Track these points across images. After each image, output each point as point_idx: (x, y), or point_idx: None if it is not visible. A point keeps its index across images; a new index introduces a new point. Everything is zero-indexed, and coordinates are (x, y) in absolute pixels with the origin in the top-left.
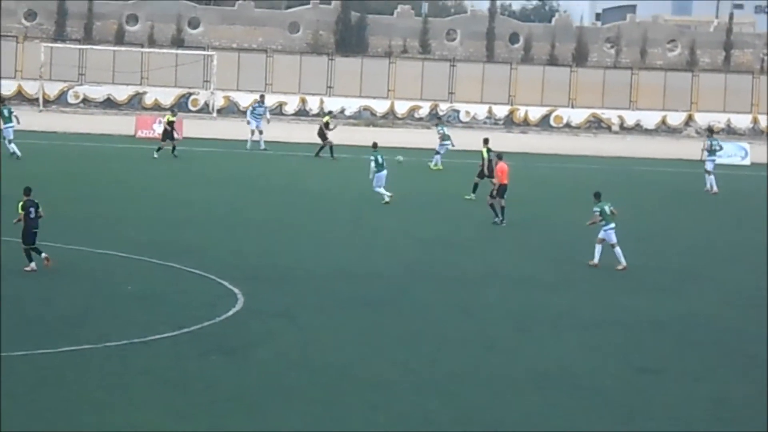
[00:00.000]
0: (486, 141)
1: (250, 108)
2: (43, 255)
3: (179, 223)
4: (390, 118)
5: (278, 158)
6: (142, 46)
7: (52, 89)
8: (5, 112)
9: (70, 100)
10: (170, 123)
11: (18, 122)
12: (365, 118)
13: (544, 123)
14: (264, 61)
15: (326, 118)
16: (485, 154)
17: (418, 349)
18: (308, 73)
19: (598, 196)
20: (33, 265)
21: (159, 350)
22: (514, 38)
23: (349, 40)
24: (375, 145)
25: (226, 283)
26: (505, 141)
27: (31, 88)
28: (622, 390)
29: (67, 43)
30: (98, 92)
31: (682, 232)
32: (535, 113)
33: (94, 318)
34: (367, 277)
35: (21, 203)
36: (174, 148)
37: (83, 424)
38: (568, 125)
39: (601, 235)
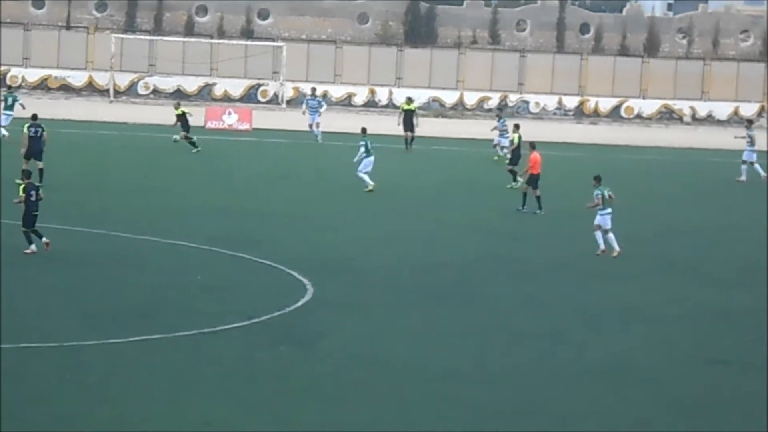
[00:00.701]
0: (517, 127)
1: (304, 101)
2: (44, 239)
3: (249, 214)
4: (459, 109)
5: (347, 149)
6: (211, 37)
7: (123, 80)
8: (9, 100)
9: (141, 90)
10: (181, 116)
11: (23, 108)
12: (434, 109)
13: (614, 114)
14: (333, 52)
15: (413, 105)
16: (516, 141)
17: (487, 340)
18: (377, 64)
19: (598, 179)
20: (33, 247)
21: (229, 341)
22: (584, 28)
23: (419, 31)
24: (364, 131)
25: (295, 274)
26: (575, 132)
27: (101, 79)
28: (690, 382)
29: (138, 34)
30: (168, 83)
31: (751, 224)
32: (606, 104)
33: (165, 308)
34: (435, 269)
35: (22, 186)
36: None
37: (154, 413)
38: (639, 116)
39: (597, 220)
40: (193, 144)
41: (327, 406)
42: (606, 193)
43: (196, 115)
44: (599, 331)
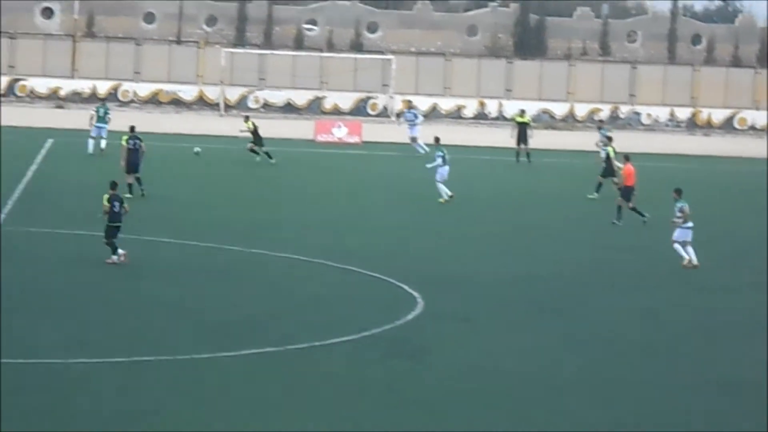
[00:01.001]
0: (609, 140)
1: (403, 114)
2: (120, 251)
3: (359, 227)
4: (569, 121)
5: (458, 162)
6: (321, 50)
7: (233, 94)
8: (101, 112)
9: (251, 104)
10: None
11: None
12: (544, 121)
13: (727, 125)
14: (442, 64)
15: (526, 118)
16: (611, 153)
17: (598, 353)
18: (486, 76)
19: (679, 192)
20: (115, 258)
21: (341, 353)
22: (696, 39)
23: (528, 43)
24: (437, 140)
25: (405, 287)
26: (687, 143)
27: (212, 93)
28: None
29: (248, 48)
30: (278, 97)
31: None
32: (719, 115)
33: (277, 321)
34: (542, 280)
35: (107, 197)
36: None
37: (267, 425)
38: (752, 127)
39: (677, 234)
40: (269, 155)
41: (437, 418)
42: (687, 207)
43: (306, 129)
44: (715, 344)
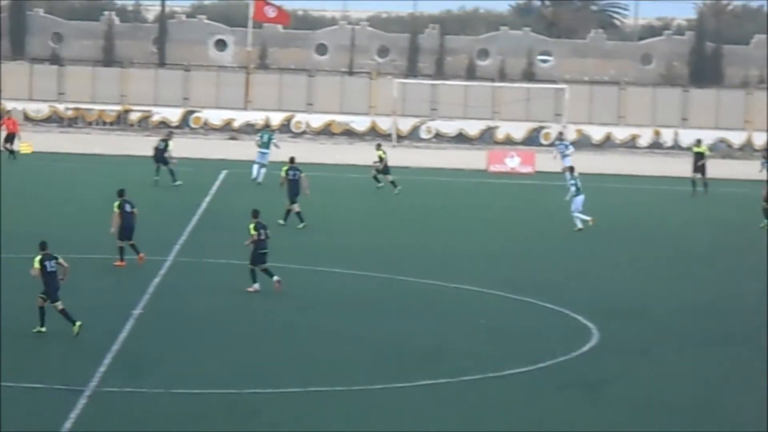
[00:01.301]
0: None
1: (555, 145)
2: (275, 278)
3: (533, 258)
4: (747, 150)
5: (633, 192)
6: (493, 80)
7: (405, 125)
8: (264, 138)
9: (423, 135)
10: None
11: (277, 148)
12: (721, 150)
13: None
14: (616, 93)
15: (703, 148)
16: None
17: None
18: (662, 104)
19: None
20: (256, 286)
21: (515, 385)
22: None
23: (704, 71)
24: (572, 169)
25: (580, 318)
26: None
27: (384, 123)
28: None
29: (419, 79)
30: (450, 127)
31: None
32: None
33: (450, 352)
34: (718, 311)
35: (252, 225)
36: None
37: None
38: None
39: None
40: (394, 184)
41: None
42: None
43: (478, 159)
44: None
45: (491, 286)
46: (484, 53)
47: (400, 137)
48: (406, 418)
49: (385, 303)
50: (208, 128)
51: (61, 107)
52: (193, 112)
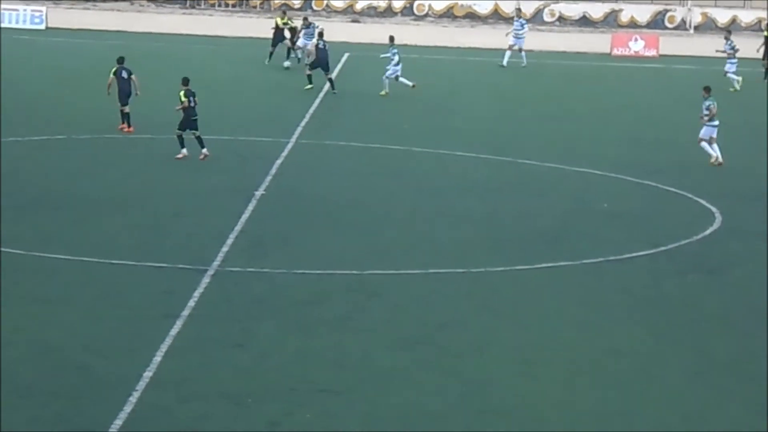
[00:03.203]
0: None
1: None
2: (204, 150)
3: (655, 142)
4: None
5: (757, 74)
6: None
7: (528, 7)
8: (310, 27)
9: (546, 18)
10: (280, 28)
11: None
12: None
13: None
14: None
15: None
16: None
17: None
18: None
19: (708, 90)
20: (185, 151)
21: (635, 268)
22: None
23: None
24: (392, 39)
25: (703, 202)
26: None
27: (506, 6)
28: None
29: None
30: (574, 10)
31: None
32: None
33: (571, 235)
34: None
35: (182, 92)
36: (288, 52)
37: (564, 339)
38: None
39: (704, 132)
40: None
41: (736, 333)
42: (714, 105)
43: (602, 43)
44: None
45: (613, 169)
46: None
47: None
48: (526, 300)
49: (506, 186)
50: (330, 10)
51: None
52: None
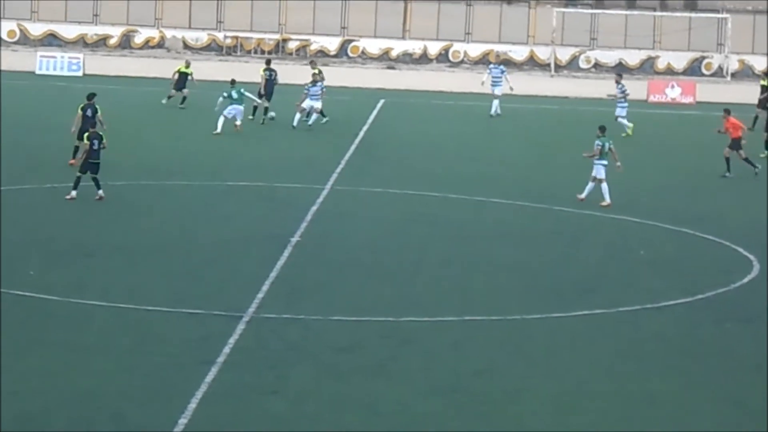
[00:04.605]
0: None
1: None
2: (100, 192)
3: (690, 189)
4: None
5: None
6: (654, 9)
7: (564, 54)
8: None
9: (582, 65)
10: (182, 73)
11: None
12: None
13: None
14: None
15: None
16: None
17: None
18: None
19: (603, 129)
20: (74, 193)
21: (672, 317)
22: None
23: None
24: (233, 82)
25: (740, 249)
26: None
27: (542, 53)
28: None
29: (579, 8)
30: (610, 57)
31: None
32: None
33: (607, 283)
34: None
35: (86, 135)
36: (184, 99)
37: (599, 387)
38: None
39: (594, 172)
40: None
41: None
42: (608, 145)
43: (638, 89)
44: None
45: (650, 216)
46: None
47: (559, 67)
48: (561, 348)
49: (542, 233)
50: (365, 57)
51: (219, 35)
52: (350, 41)
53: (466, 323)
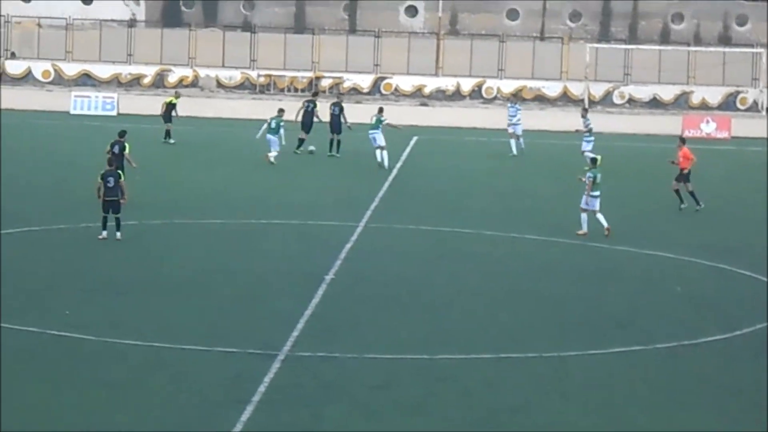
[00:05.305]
0: None
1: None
2: (118, 234)
3: (729, 223)
4: None
5: None
6: (687, 44)
7: (598, 90)
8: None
9: (616, 100)
10: (170, 104)
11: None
12: None
13: None
14: None
15: None
16: None
17: None
18: None
19: (594, 162)
20: (104, 233)
21: (709, 353)
22: None
23: None
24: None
25: None
26: None
27: (576, 89)
28: None
29: (612, 43)
30: (644, 92)
31: None
32: None
33: (644, 319)
34: None
35: (101, 174)
36: (167, 132)
37: (636, 424)
38: None
39: (583, 203)
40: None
41: None
42: (599, 177)
43: (673, 125)
44: None
45: (685, 252)
46: (678, 17)
47: (593, 103)
48: (598, 385)
49: (577, 269)
50: (398, 94)
51: (253, 74)
52: (383, 78)
53: (501, 360)
